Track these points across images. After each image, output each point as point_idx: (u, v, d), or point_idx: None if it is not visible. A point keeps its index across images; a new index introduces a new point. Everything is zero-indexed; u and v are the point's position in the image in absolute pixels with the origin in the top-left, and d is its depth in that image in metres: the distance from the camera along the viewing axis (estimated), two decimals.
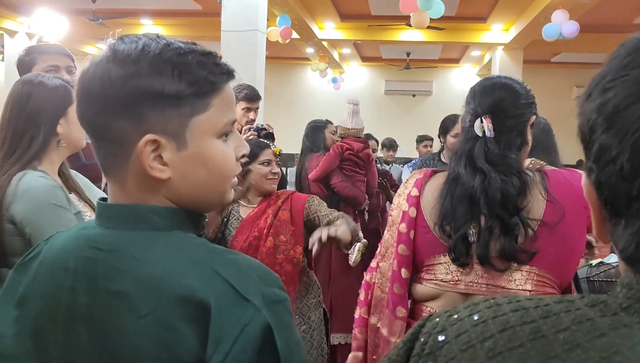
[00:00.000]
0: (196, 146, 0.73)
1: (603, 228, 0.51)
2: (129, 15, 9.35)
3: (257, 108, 3.25)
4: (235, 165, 0.79)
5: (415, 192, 1.44)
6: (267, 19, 6.79)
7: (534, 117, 1.41)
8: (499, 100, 1.36)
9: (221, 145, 0.76)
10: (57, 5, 9.06)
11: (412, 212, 1.42)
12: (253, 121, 3.18)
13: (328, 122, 3.78)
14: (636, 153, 0.44)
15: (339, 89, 13.04)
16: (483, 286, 1.33)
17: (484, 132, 1.33)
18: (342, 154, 3.48)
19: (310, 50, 11.27)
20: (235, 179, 0.81)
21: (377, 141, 5.79)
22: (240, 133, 3.04)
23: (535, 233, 1.29)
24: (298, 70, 13.94)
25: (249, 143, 2.51)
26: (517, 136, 1.37)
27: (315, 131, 3.67)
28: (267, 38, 7.48)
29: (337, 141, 3.66)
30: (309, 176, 3.33)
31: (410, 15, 6.30)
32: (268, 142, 2.49)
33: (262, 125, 3.04)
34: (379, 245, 1.54)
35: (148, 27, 10.32)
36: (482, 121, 1.34)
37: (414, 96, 13.64)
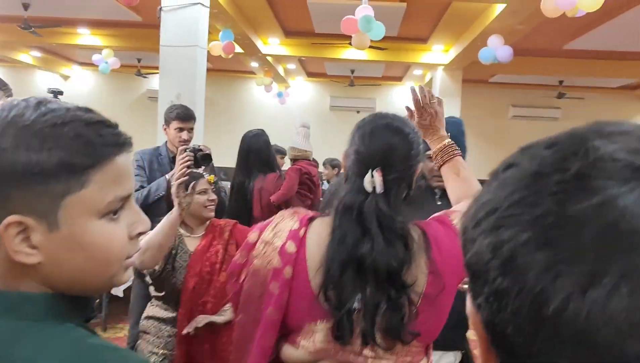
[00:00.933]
0: (71, 227, 0.66)
1: (489, 359, 0.47)
2: (64, 24, 9.02)
3: (192, 128, 3.18)
4: (125, 246, 0.71)
5: (292, 248, 1.25)
6: (210, 32, 6.69)
7: (422, 164, 1.34)
8: (391, 150, 1.26)
9: (104, 226, 0.68)
10: None
11: (288, 272, 1.23)
12: (187, 141, 3.11)
13: (267, 134, 3.71)
14: (537, 311, 0.39)
15: (285, 104, 13.05)
16: (366, 358, 1.23)
17: (374, 188, 1.23)
18: (302, 177, 3.46)
19: (254, 64, 11.21)
20: (130, 259, 0.73)
21: (316, 162, 5.80)
22: (176, 154, 2.98)
23: (417, 309, 1.22)
24: (243, 83, 13.85)
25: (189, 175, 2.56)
26: (405, 188, 1.29)
27: (265, 146, 3.57)
28: (209, 53, 7.39)
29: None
30: (270, 198, 3.24)
31: (352, 35, 6.37)
32: (201, 172, 2.56)
33: (199, 146, 2.97)
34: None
35: (85, 36, 9.97)
36: (372, 176, 1.23)
37: (358, 112, 13.79)
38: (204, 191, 2.42)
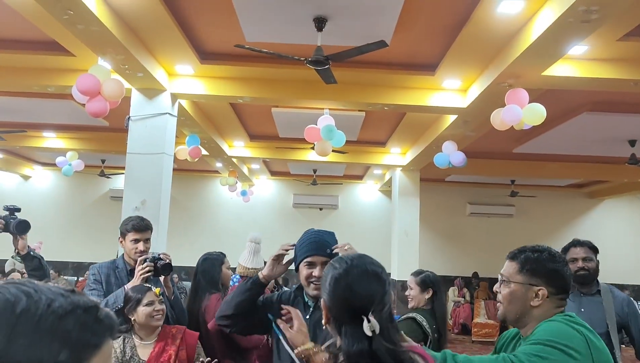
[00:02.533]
0: None
1: None
2: (30, 129, 9.11)
3: (148, 239, 3.14)
4: None
5: None
6: (177, 136, 6.88)
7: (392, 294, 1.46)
8: (377, 294, 1.34)
9: None
10: None
11: None
12: (143, 252, 3.07)
13: (223, 255, 3.57)
14: None
15: (249, 202, 13.19)
16: None
17: (373, 331, 1.28)
18: None
19: (219, 164, 11.44)
20: None
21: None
22: (134, 267, 2.96)
23: None
24: (207, 182, 14.02)
25: (133, 289, 2.71)
26: (391, 319, 1.36)
27: (212, 266, 3.36)
28: (175, 156, 7.55)
29: (232, 275, 3.55)
30: (209, 321, 3.12)
31: (315, 143, 6.67)
32: (150, 286, 2.74)
33: (159, 255, 2.99)
34: None
35: (51, 139, 10.05)
36: (369, 321, 1.28)
37: (320, 209, 14.07)
38: (151, 303, 2.65)
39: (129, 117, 6.21)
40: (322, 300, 1.42)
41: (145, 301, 2.64)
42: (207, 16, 4.94)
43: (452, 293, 12.14)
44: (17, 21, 5.05)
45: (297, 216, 14.06)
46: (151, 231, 3.17)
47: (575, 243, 3.04)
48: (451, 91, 6.33)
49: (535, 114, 4.99)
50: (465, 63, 5.56)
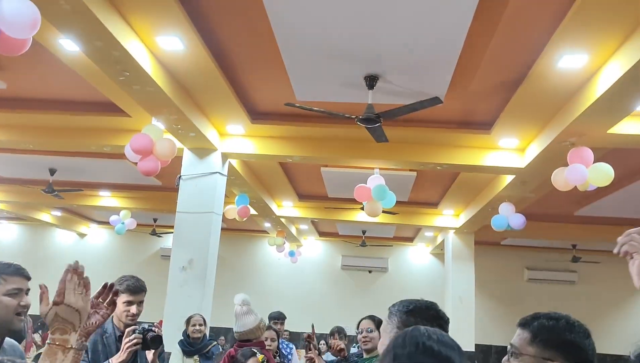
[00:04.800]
0: None
1: None
2: (86, 188, 9.38)
3: (141, 302, 2.88)
4: None
5: None
6: (227, 196, 6.88)
7: None
8: None
9: None
10: (14, 175, 9.06)
11: None
12: (135, 316, 2.82)
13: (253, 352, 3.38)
14: None
15: (296, 262, 13.00)
16: None
17: None
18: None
19: (267, 224, 11.39)
20: None
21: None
22: (123, 333, 2.66)
23: None
24: (255, 242, 13.96)
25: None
26: None
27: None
28: (224, 215, 7.53)
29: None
30: None
31: (364, 203, 6.50)
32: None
33: (149, 326, 2.68)
34: None
35: (106, 198, 10.31)
36: None
37: (370, 272, 13.67)
38: None
39: (179, 177, 6.26)
40: None
41: None
42: (258, 76, 4.97)
43: None
44: (76, 83, 5.23)
45: (345, 278, 13.71)
46: (145, 294, 2.91)
47: None
48: (508, 150, 6.07)
49: (602, 174, 4.67)
50: (524, 121, 5.33)
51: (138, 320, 2.88)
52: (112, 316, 2.93)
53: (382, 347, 1.76)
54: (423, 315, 1.70)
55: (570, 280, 12.78)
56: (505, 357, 1.54)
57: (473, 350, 10.06)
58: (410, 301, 1.75)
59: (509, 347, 1.54)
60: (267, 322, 4.31)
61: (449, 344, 1.16)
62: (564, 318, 1.49)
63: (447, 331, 1.59)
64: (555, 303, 12.42)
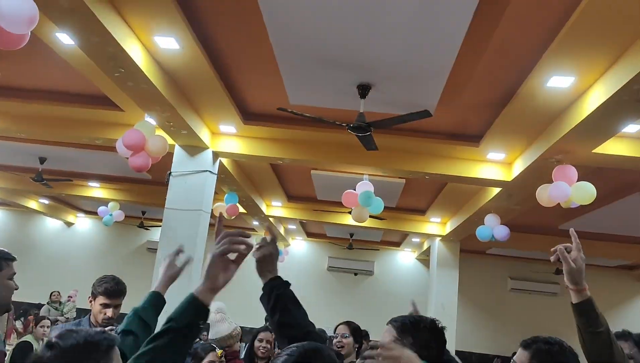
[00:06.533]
0: None
1: None
2: (75, 178, 9.37)
3: (118, 305, 2.86)
4: None
5: None
6: (216, 193, 6.90)
7: None
8: None
9: None
10: (4, 161, 9.03)
11: None
12: (111, 318, 2.79)
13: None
14: None
15: (283, 262, 13.04)
16: None
17: None
18: None
19: (256, 223, 11.43)
20: None
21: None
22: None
23: None
24: None
25: None
26: None
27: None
28: (213, 213, 7.55)
29: None
30: None
31: (352, 208, 6.56)
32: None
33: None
34: None
35: (95, 189, 10.30)
36: None
37: (355, 274, 13.75)
38: None
39: (170, 173, 6.28)
40: None
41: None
42: (252, 78, 5.02)
43: None
44: (71, 75, 5.25)
45: (331, 279, 13.78)
46: (123, 297, 2.89)
47: (620, 335, 2.72)
48: (496, 163, 6.17)
49: (585, 193, 4.76)
50: (512, 136, 5.42)
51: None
52: (90, 314, 2.96)
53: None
54: (434, 333, 1.71)
55: (553, 291, 12.92)
56: None
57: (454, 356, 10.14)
58: (414, 317, 1.75)
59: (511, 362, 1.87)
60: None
61: None
62: (558, 343, 1.77)
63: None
64: (537, 315, 12.56)
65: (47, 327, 5.85)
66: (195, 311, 1.31)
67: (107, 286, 2.85)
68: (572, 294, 1.74)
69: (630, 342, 2.71)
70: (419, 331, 1.72)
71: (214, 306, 3.47)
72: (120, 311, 2.83)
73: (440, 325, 1.79)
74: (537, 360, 1.75)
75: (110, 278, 2.94)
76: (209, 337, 3.45)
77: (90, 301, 2.94)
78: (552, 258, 1.80)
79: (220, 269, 1.39)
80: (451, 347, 10.35)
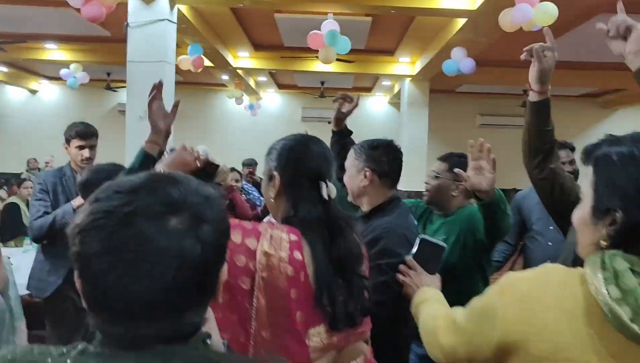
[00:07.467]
0: None
1: None
2: (30, 40, 8.96)
3: (93, 146, 3.07)
4: None
5: (299, 256, 1.30)
6: (179, 46, 6.73)
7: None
8: (328, 161, 1.45)
9: None
10: None
11: (302, 277, 1.30)
12: (89, 159, 3.02)
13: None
14: None
15: (256, 116, 13.12)
16: (349, 337, 1.39)
17: (329, 195, 1.39)
18: None
19: (225, 77, 11.27)
20: None
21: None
22: (81, 173, 2.90)
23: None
24: (214, 96, 13.88)
25: None
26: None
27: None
28: (178, 67, 7.43)
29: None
30: None
31: (319, 50, 6.49)
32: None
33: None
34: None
35: (53, 52, 9.90)
36: (327, 186, 1.39)
37: (329, 122, 13.81)
38: None
39: (127, 24, 6.05)
40: (272, 174, 1.44)
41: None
42: None
43: None
44: None
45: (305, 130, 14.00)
46: (96, 138, 3.09)
47: (561, 145, 3.05)
48: None
49: (546, 13, 4.77)
50: None
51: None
52: (70, 161, 3.09)
53: (348, 179, 2.04)
54: (386, 149, 2.02)
55: (520, 124, 13.22)
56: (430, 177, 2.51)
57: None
58: (373, 139, 2.06)
59: (431, 172, 2.52)
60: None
61: None
62: (465, 156, 2.14)
63: (402, 163, 2.05)
64: (505, 147, 13.06)
65: (31, 187, 6.03)
66: (144, 159, 1.64)
67: (77, 129, 3.01)
68: (533, 95, 1.81)
69: (568, 151, 3.02)
70: (372, 149, 2.00)
71: (200, 149, 3.62)
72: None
73: (395, 144, 2.04)
74: (451, 167, 2.33)
75: (80, 123, 3.09)
76: None
77: (66, 148, 3.08)
78: (522, 56, 1.84)
79: (160, 117, 1.73)
80: (421, 183, 10.87)
